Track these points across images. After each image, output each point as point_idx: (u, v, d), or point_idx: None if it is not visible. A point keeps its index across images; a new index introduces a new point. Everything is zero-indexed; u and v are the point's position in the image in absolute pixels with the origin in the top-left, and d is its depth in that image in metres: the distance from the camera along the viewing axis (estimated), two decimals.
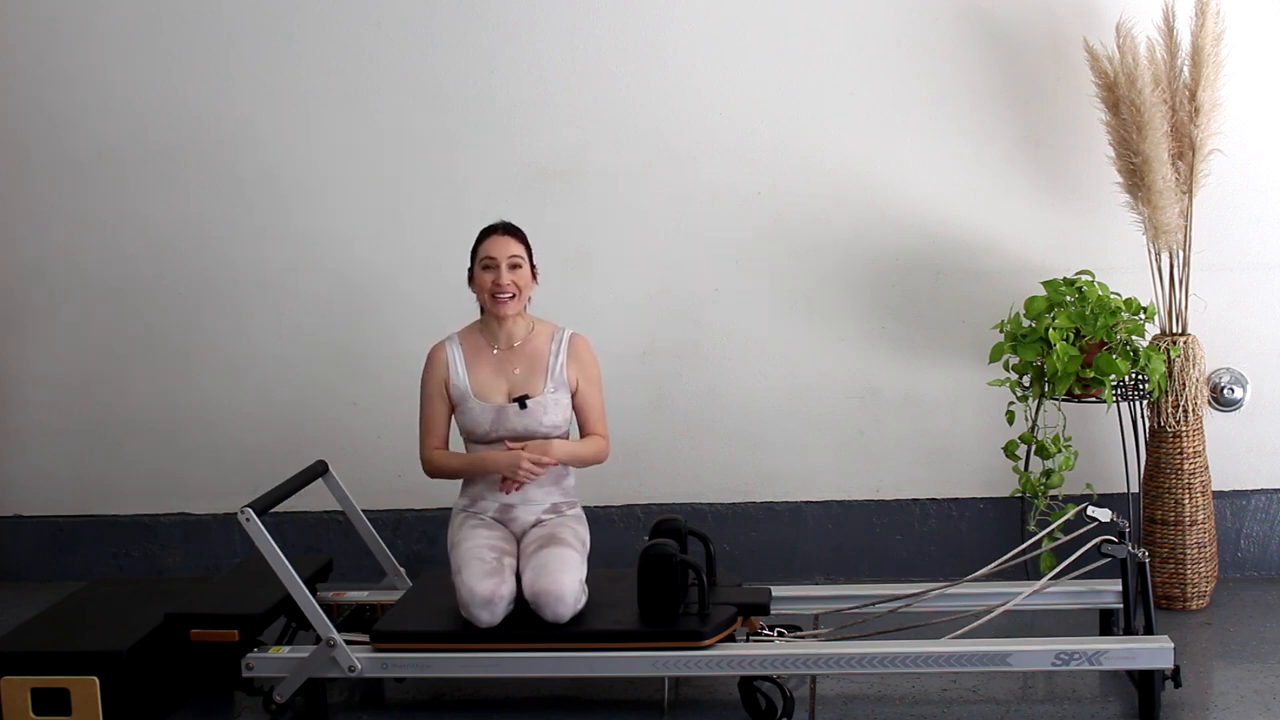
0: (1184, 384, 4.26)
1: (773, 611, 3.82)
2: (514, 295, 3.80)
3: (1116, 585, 3.85)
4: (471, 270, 3.86)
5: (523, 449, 3.75)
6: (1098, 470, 4.49)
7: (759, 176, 4.65)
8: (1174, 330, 4.35)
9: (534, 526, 3.83)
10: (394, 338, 4.77)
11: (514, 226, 3.88)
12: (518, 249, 3.82)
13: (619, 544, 4.67)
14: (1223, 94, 4.23)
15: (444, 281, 4.67)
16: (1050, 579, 3.76)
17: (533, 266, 3.87)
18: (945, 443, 4.70)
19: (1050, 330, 4.13)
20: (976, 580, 3.83)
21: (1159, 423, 4.31)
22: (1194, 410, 4.28)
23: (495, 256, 3.79)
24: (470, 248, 3.89)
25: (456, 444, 3.93)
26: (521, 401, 3.79)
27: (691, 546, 3.85)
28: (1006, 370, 4.30)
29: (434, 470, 3.88)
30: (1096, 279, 4.25)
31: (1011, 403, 4.29)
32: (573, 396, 3.86)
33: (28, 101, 4.85)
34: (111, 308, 4.90)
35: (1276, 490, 4.62)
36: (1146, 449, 4.35)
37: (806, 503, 4.76)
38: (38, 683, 3.60)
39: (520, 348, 3.87)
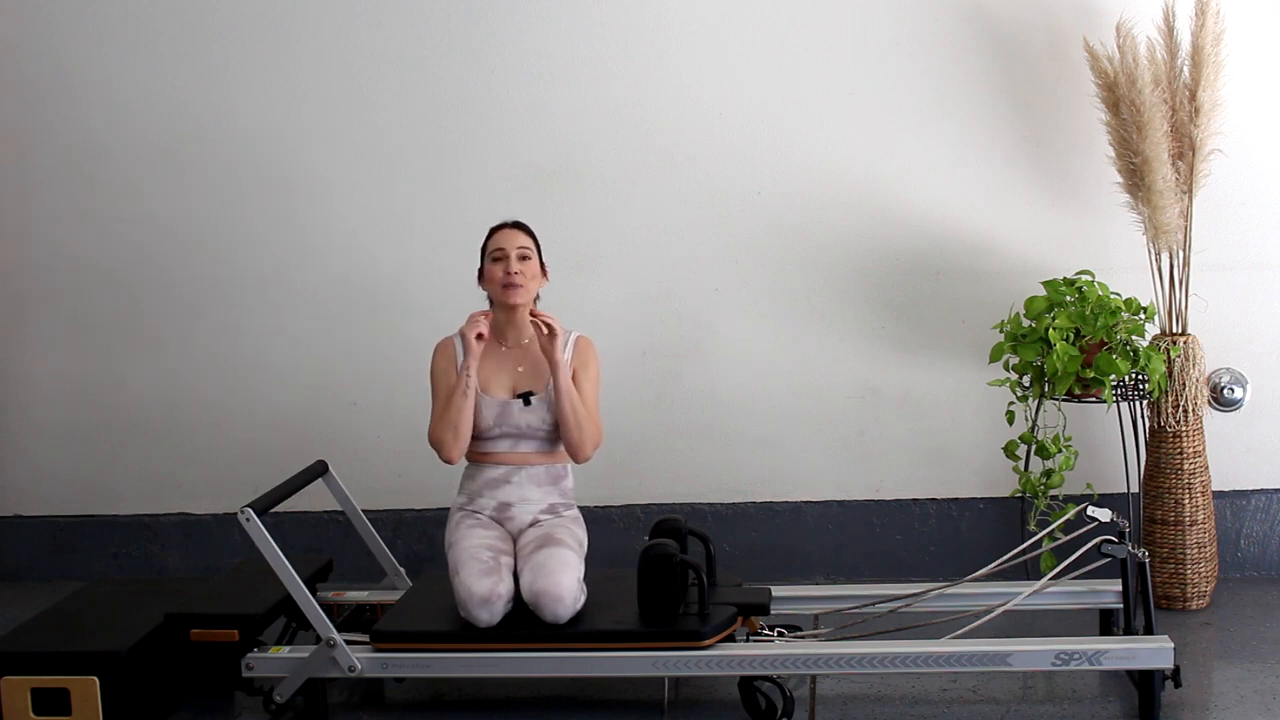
0: (1184, 384, 4.26)
1: (773, 611, 3.82)
2: (522, 285, 3.81)
3: (1116, 585, 3.85)
4: (481, 268, 3.88)
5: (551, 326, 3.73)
6: (1098, 470, 4.49)
7: (759, 176, 4.65)
8: (1174, 330, 4.35)
9: (530, 527, 3.83)
10: (394, 337, 4.78)
11: (522, 223, 3.91)
12: (525, 241, 3.85)
13: (619, 544, 4.67)
14: (1223, 94, 4.23)
15: (444, 281, 4.68)
16: (1050, 579, 3.76)
17: (542, 264, 3.89)
18: (945, 443, 4.70)
19: (1050, 330, 4.13)
20: (976, 580, 3.83)
21: (1159, 423, 4.31)
22: (1194, 410, 4.28)
23: (504, 248, 3.82)
24: (478, 247, 3.90)
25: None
26: (526, 398, 3.79)
27: (691, 546, 3.85)
28: (1006, 370, 4.30)
29: (432, 437, 3.79)
30: (1096, 279, 4.25)
31: (1011, 403, 4.29)
32: None
33: (27, 101, 4.85)
34: (111, 307, 4.90)
35: (1276, 490, 4.62)
36: (1146, 449, 4.36)
37: (806, 503, 4.76)
38: (38, 683, 3.60)
39: (528, 346, 3.87)
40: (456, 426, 3.77)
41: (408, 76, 4.71)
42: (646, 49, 4.64)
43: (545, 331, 3.73)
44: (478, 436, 3.83)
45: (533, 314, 3.79)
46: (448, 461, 3.80)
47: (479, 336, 3.75)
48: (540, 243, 3.90)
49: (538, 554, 3.67)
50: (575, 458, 3.83)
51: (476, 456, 3.86)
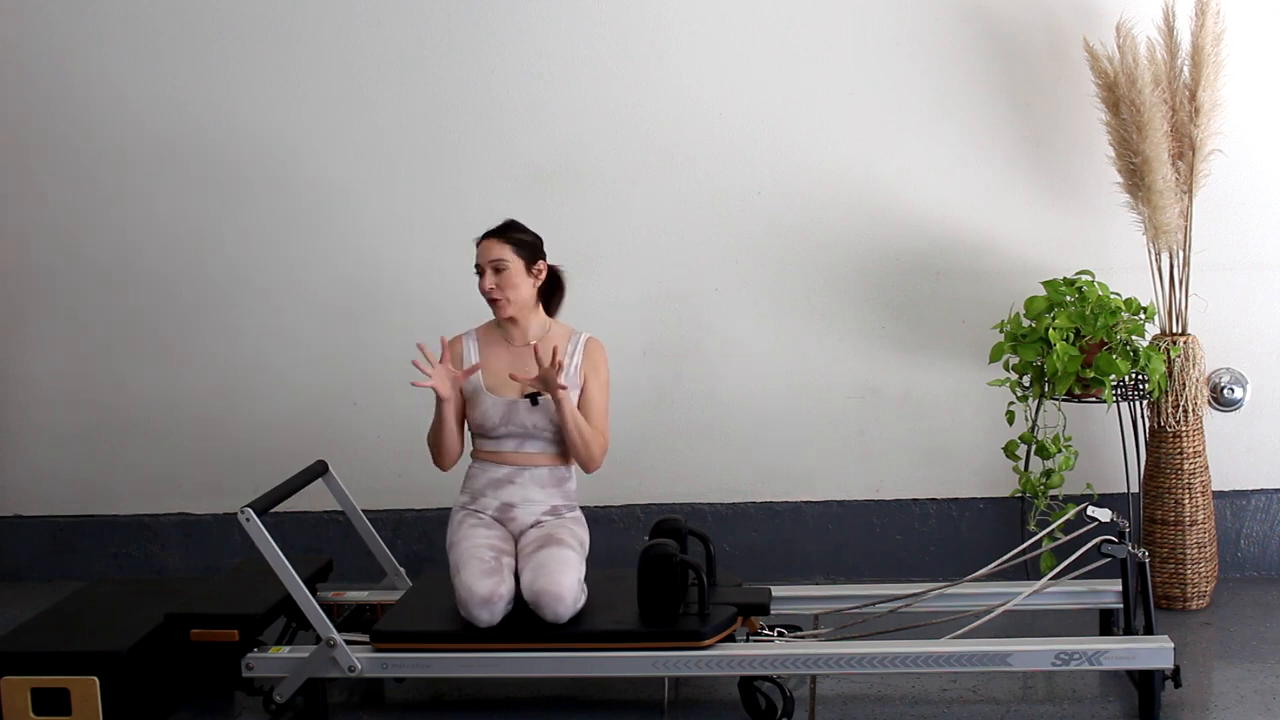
0: (1184, 384, 4.26)
1: (773, 611, 3.82)
2: (500, 299, 3.80)
3: (1116, 585, 3.85)
4: None
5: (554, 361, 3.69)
6: (1098, 470, 4.49)
7: (759, 176, 4.65)
8: (1174, 330, 4.35)
9: (532, 527, 3.83)
10: (394, 337, 4.77)
11: (502, 228, 3.84)
12: (499, 251, 3.79)
13: (619, 544, 4.67)
14: (1223, 94, 4.23)
15: (444, 281, 4.68)
16: (1050, 579, 3.76)
17: (532, 260, 3.83)
18: (945, 443, 4.70)
19: (1050, 330, 4.13)
20: (976, 580, 3.83)
21: (1159, 423, 4.31)
22: (1194, 410, 4.28)
23: (479, 263, 3.82)
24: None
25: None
26: (533, 398, 3.79)
27: (691, 546, 3.85)
28: (1006, 370, 4.30)
29: (429, 442, 3.86)
30: (1096, 279, 4.25)
31: (1011, 403, 4.29)
32: (580, 395, 3.85)
33: (28, 101, 4.85)
34: (112, 308, 4.90)
35: (1276, 490, 4.62)
36: (1146, 449, 4.36)
37: (806, 503, 4.76)
38: (38, 683, 3.60)
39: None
40: (437, 448, 3.87)
41: (408, 76, 4.71)
42: (646, 49, 4.64)
43: (548, 364, 3.68)
44: (485, 435, 3.84)
45: (536, 350, 3.72)
46: (439, 468, 3.90)
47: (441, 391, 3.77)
48: (528, 238, 3.83)
49: (539, 554, 3.67)
50: (585, 469, 3.86)
51: (482, 455, 3.87)
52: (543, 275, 3.89)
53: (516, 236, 3.84)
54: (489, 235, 3.84)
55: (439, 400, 3.78)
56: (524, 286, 3.83)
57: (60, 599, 4.14)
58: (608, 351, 3.94)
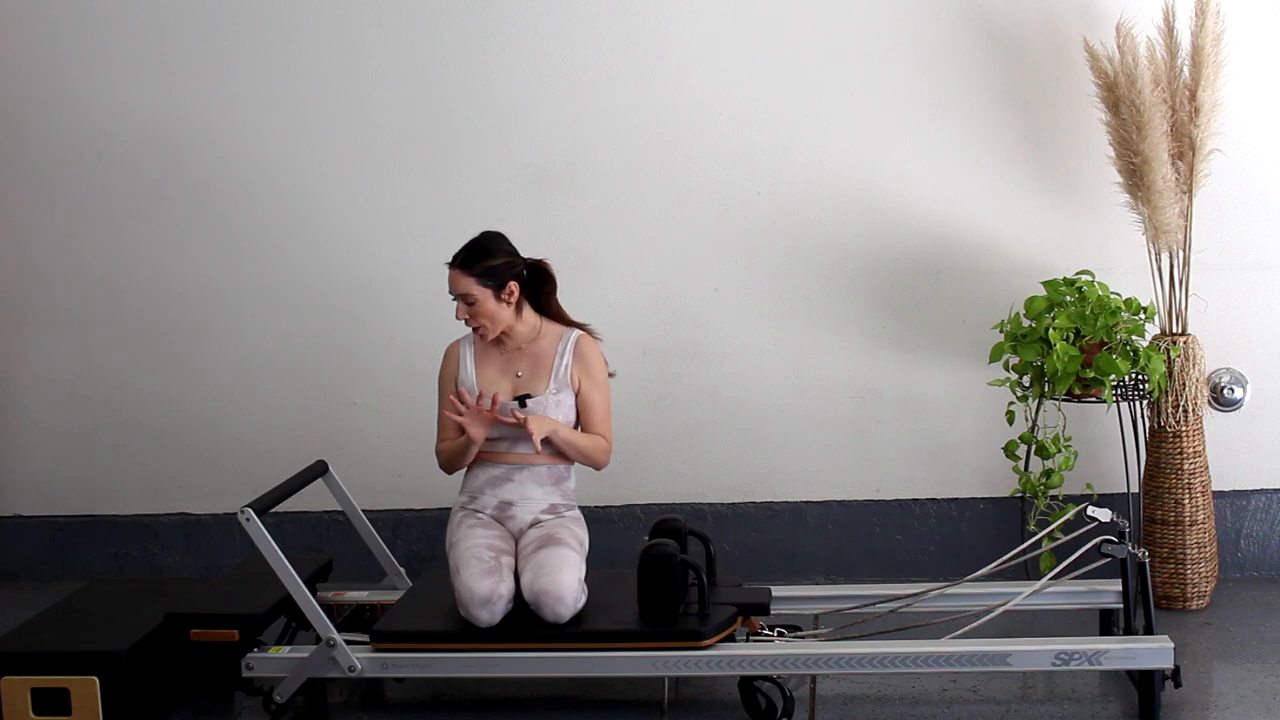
0: (1184, 384, 4.26)
1: (773, 611, 3.82)
2: (479, 327, 3.79)
3: (1116, 585, 3.85)
4: None
5: (524, 421, 3.68)
6: (1098, 470, 4.49)
7: (759, 176, 4.65)
8: (1174, 330, 4.36)
9: (531, 527, 3.83)
10: (394, 337, 4.78)
11: (466, 258, 3.75)
12: (464, 285, 3.73)
13: (619, 544, 4.67)
14: (1223, 94, 4.24)
15: (443, 281, 4.65)
16: (1050, 579, 3.76)
17: (500, 286, 3.75)
18: (945, 443, 4.70)
19: (1050, 330, 4.13)
20: (976, 580, 3.83)
21: (1159, 423, 4.31)
22: (1194, 410, 4.28)
23: (451, 294, 3.80)
24: None
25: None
26: (521, 400, 3.79)
27: (691, 546, 3.85)
28: (1006, 370, 4.30)
29: (440, 458, 3.88)
30: (1096, 279, 4.25)
31: (1011, 403, 4.29)
32: (576, 397, 3.85)
33: (28, 102, 4.85)
34: (112, 308, 4.90)
35: (1276, 490, 4.62)
36: (1146, 449, 4.36)
37: (806, 503, 4.76)
38: (38, 683, 3.60)
39: (527, 349, 3.87)
40: (452, 464, 3.87)
41: (408, 76, 4.71)
42: (647, 49, 4.64)
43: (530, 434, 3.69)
44: None
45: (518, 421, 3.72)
46: (445, 473, 3.91)
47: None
48: (496, 263, 3.74)
49: (539, 554, 3.67)
50: (595, 469, 3.90)
51: (479, 455, 3.86)
52: (515, 296, 3.79)
53: (481, 266, 3.74)
54: (453, 266, 3.77)
55: (470, 439, 3.76)
56: (499, 311, 3.78)
57: (60, 599, 4.14)
58: (608, 352, 3.93)
